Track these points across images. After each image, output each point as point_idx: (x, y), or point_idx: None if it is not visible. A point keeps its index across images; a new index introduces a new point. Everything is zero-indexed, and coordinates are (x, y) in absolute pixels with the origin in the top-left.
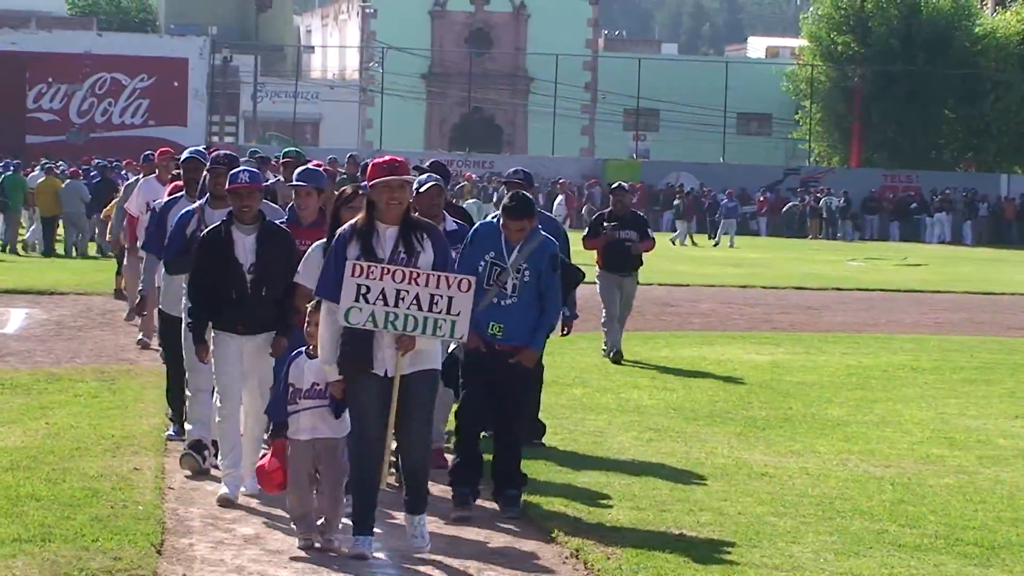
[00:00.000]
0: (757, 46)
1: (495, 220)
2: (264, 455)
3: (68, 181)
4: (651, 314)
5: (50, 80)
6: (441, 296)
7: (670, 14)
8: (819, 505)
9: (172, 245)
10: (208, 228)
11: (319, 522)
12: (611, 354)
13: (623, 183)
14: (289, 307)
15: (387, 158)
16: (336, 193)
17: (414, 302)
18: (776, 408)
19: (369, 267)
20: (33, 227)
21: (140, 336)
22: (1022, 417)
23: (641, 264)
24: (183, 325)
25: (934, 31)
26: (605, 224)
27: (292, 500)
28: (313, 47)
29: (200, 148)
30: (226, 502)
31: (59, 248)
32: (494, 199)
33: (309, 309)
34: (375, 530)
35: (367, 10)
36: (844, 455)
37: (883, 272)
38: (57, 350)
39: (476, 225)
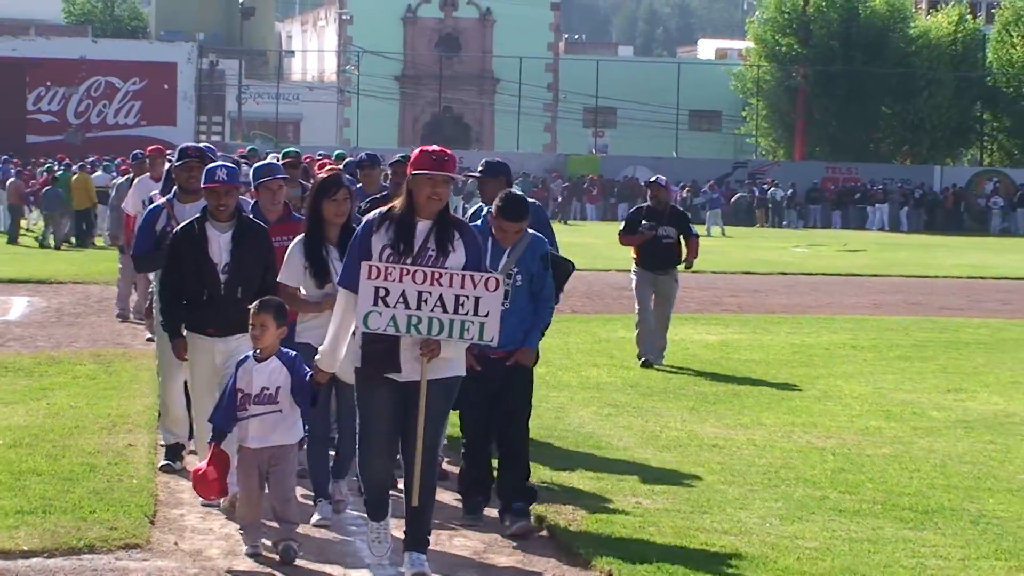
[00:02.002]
0: (707, 48)
1: (482, 222)
2: (202, 462)
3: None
4: (610, 298)
5: (48, 84)
6: (467, 297)
7: (626, 18)
8: (765, 474)
9: (141, 242)
10: (181, 224)
11: (275, 526)
12: (645, 360)
13: (660, 177)
14: None
15: (437, 148)
16: (315, 183)
17: (438, 304)
18: (725, 384)
19: (387, 268)
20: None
21: (148, 336)
22: (954, 391)
23: (679, 261)
24: (156, 323)
25: (871, 33)
26: (644, 223)
27: (241, 507)
28: (294, 51)
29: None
30: (207, 505)
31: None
32: (463, 191)
33: (252, 309)
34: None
35: (344, 16)
36: (788, 427)
37: (825, 258)
38: (57, 335)
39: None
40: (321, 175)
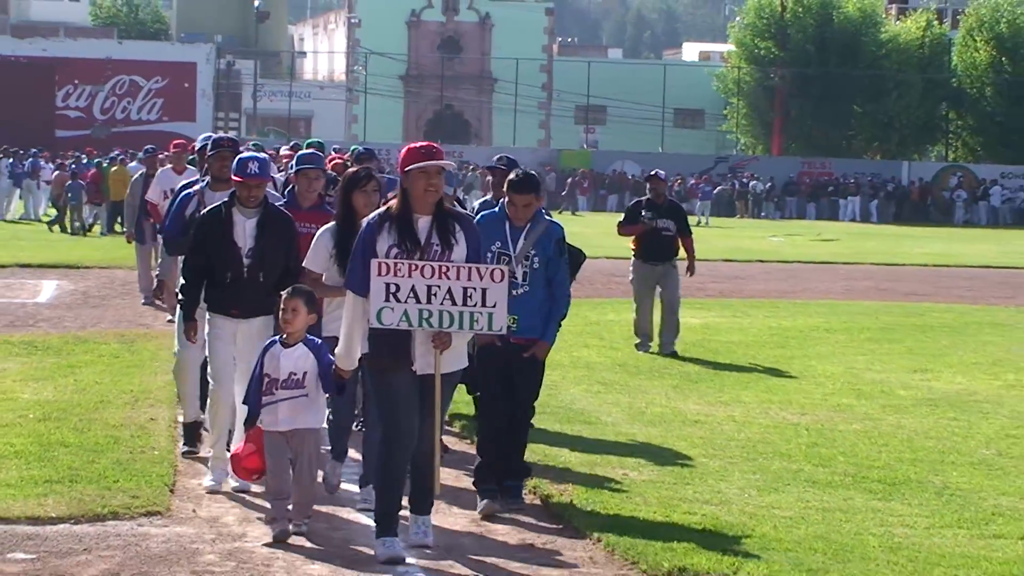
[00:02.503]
0: (691, 50)
1: (496, 208)
2: (240, 443)
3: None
4: (599, 283)
5: (76, 82)
6: (475, 289)
7: (615, 22)
8: (744, 448)
9: (172, 226)
10: (208, 208)
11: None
12: (653, 349)
13: (659, 171)
14: None
15: (424, 143)
16: (346, 176)
17: (447, 297)
18: (707, 364)
19: (396, 264)
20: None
21: (169, 318)
22: (920, 371)
23: (676, 254)
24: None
25: (844, 37)
26: (643, 212)
27: (271, 486)
28: (305, 53)
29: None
30: (214, 492)
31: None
32: (462, 183)
33: (283, 295)
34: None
35: (352, 20)
36: (765, 404)
37: (801, 246)
38: (83, 317)
39: (477, 215)
40: (351, 169)
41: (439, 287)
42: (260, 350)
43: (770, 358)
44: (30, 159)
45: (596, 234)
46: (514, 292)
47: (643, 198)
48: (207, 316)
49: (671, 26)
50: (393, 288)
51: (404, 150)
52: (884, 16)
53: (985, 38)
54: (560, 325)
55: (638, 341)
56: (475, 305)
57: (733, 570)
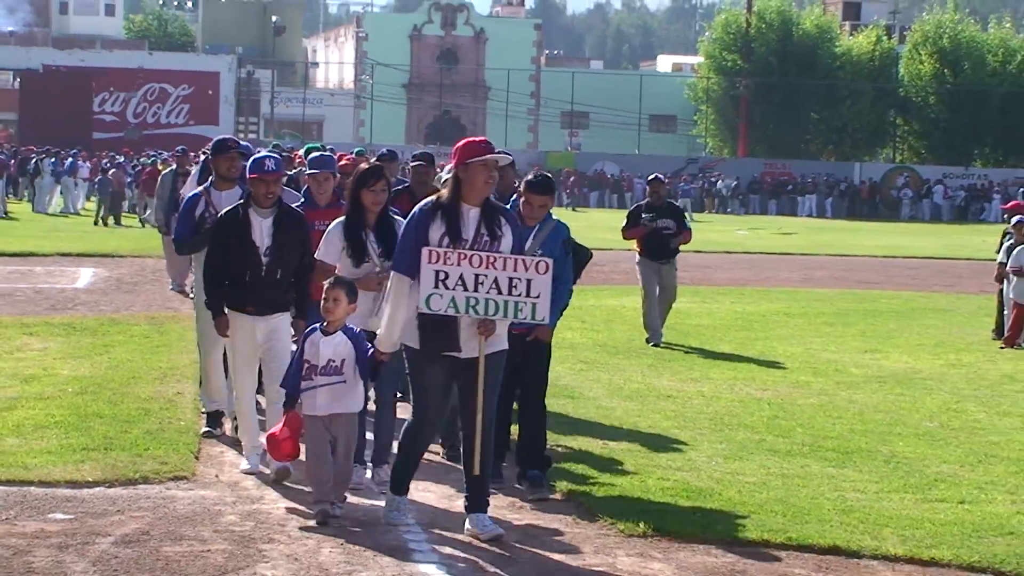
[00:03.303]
0: (665, 62)
1: (511, 206)
2: (277, 424)
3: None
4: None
5: (111, 89)
6: (520, 279)
7: (597, 37)
8: (712, 420)
9: (182, 227)
10: (226, 210)
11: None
12: (654, 343)
13: (660, 175)
14: (306, 289)
15: (480, 137)
16: (355, 173)
17: (493, 286)
18: (679, 345)
19: (446, 253)
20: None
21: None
22: (870, 351)
23: (677, 252)
24: (195, 302)
25: (803, 50)
26: (644, 215)
27: (312, 470)
28: (318, 63)
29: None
30: (249, 474)
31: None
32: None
33: (326, 285)
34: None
35: (360, 34)
36: (731, 381)
37: (763, 239)
38: (117, 301)
39: None
40: (363, 166)
41: (486, 276)
42: (278, 343)
43: (735, 340)
44: (69, 159)
45: (578, 227)
46: None
47: (643, 202)
48: (227, 312)
49: (647, 40)
50: (442, 275)
51: (461, 144)
52: (839, 31)
53: (929, 52)
54: (561, 314)
55: (648, 336)
56: (520, 295)
57: (702, 530)
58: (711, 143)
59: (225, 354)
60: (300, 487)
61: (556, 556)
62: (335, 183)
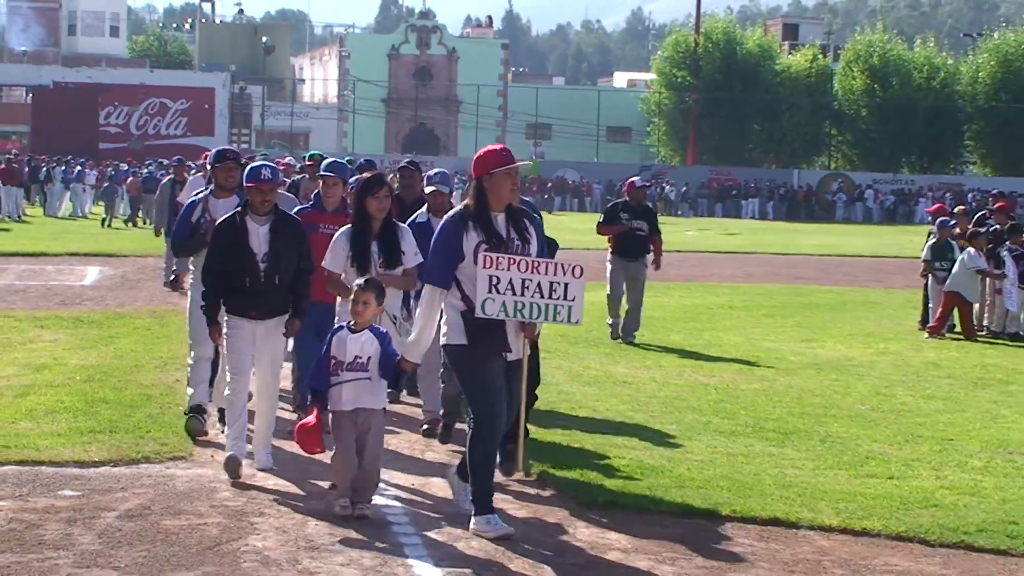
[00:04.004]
0: (621, 78)
1: None
2: (306, 419)
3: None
4: None
5: (116, 103)
6: (559, 283)
7: (559, 55)
8: (663, 404)
9: (179, 231)
10: (224, 217)
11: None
12: (620, 337)
13: (637, 179)
14: (302, 292)
15: (499, 145)
16: (360, 182)
17: (537, 290)
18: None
19: (498, 258)
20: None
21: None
22: (807, 341)
23: (648, 251)
24: (191, 301)
25: (746, 68)
26: (622, 214)
27: (338, 465)
28: (304, 79)
29: (337, 161)
30: (232, 461)
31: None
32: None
33: (356, 287)
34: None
35: (343, 53)
36: (681, 368)
37: (710, 239)
38: (120, 296)
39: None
40: (365, 175)
41: (531, 280)
42: (274, 346)
43: (684, 330)
44: (77, 167)
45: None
46: None
47: (621, 200)
48: (225, 318)
49: (604, 58)
50: (495, 280)
51: (483, 154)
52: (778, 50)
53: (861, 69)
54: None
55: (611, 321)
56: (558, 298)
57: (654, 503)
58: (663, 152)
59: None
60: (280, 471)
61: (520, 529)
62: (344, 191)
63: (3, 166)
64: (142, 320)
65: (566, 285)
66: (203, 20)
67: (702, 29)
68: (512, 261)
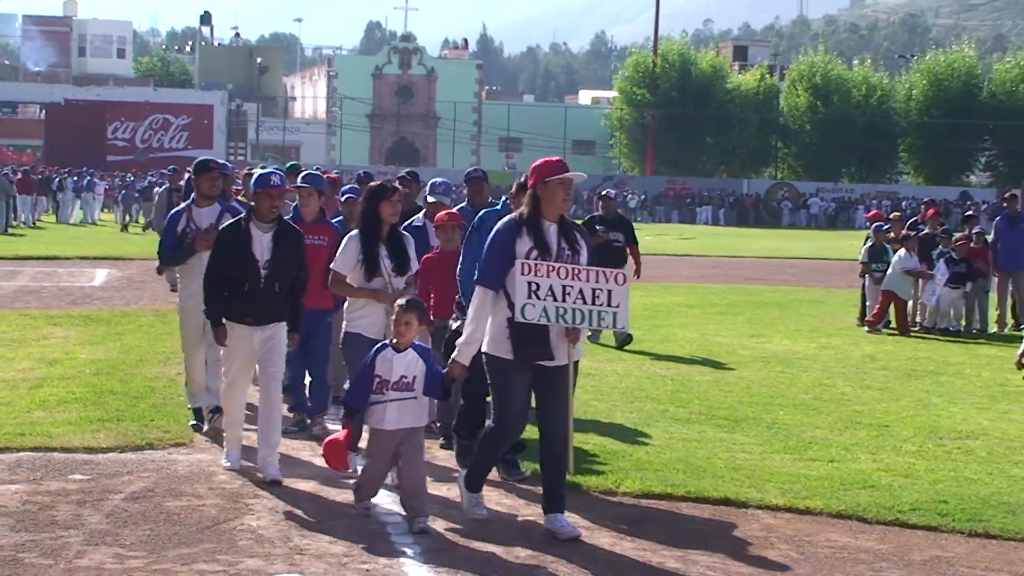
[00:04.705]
0: (586, 96)
1: (500, 207)
2: (336, 434)
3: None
4: None
5: (122, 119)
6: (601, 290)
7: (529, 75)
8: (624, 394)
9: (166, 242)
10: (228, 223)
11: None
12: (592, 338)
13: (609, 191)
14: (300, 302)
15: (555, 157)
16: (371, 188)
17: (579, 296)
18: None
19: (536, 265)
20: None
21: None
22: (756, 336)
23: (625, 262)
24: (179, 308)
25: (700, 86)
26: (597, 227)
27: (369, 479)
28: (295, 97)
29: (313, 173)
30: (230, 470)
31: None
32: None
33: (398, 308)
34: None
35: (331, 73)
36: (640, 361)
37: (667, 244)
38: (127, 296)
39: (482, 213)
40: (376, 182)
41: (572, 287)
42: (273, 352)
43: (643, 327)
44: (87, 178)
45: None
46: None
47: (596, 214)
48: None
49: (570, 77)
50: (534, 287)
51: (540, 163)
52: (729, 71)
53: (805, 87)
54: None
55: (589, 333)
56: (602, 304)
57: (616, 485)
58: (624, 163)
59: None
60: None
61: (493, 507)
62: (320, 200)
63: (19, 176)
64: (146, 318)
65: (609, 292)
66: (203, 43)
67: (660, 51)
68: (551, 268)
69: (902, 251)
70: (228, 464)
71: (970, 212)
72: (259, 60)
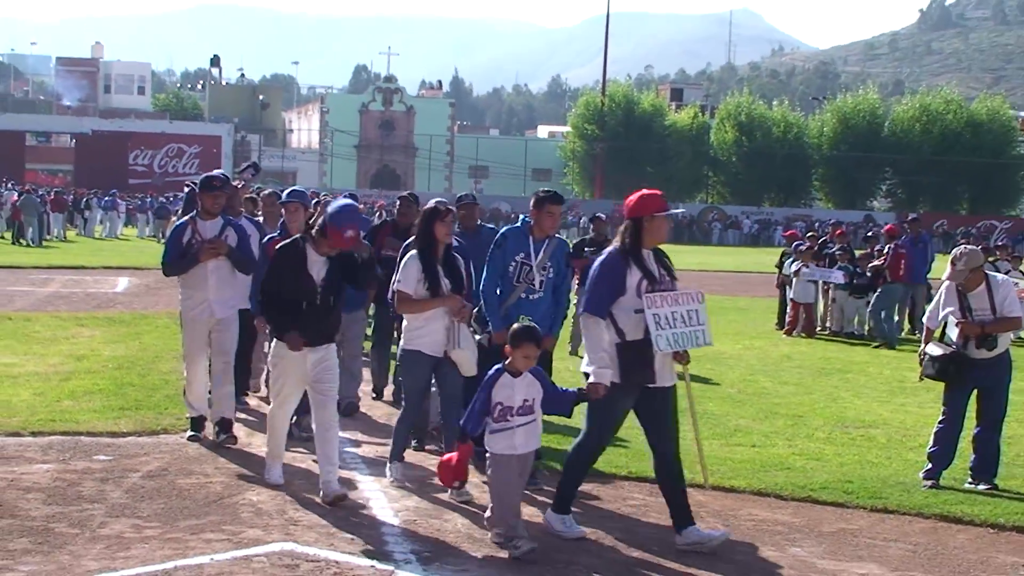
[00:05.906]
0: (543, 131)
1: (520, 224)
2: (450, 454)
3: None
4: None
5: (142, 148)
6: (692, 311)
7: (495, 111)
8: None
9: (170, 252)
10: (284, 242)
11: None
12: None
13: (600, 214)
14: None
15: (657, 191)
16: (427, 209)
17: (682, 320)
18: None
19: (659, 297)
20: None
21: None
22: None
23: None
24: (182, 317)
25: (642, 122)
26: (586, 249)
27: (500, 512)
28: (292, 129)
29: (297, 189)
30: (274, 487)
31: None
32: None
33: (526, 344)
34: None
35: (323, 109)
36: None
37: None
38: (145, 301)
39: (504, 231)
40: (432, 203)
41: (676, 312)
42: (329, 374)
43: None
44: (110, 197)
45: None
46: (531, 297)
47: (587, 236)
48: (274, 342)
49: (530, 114)
50: (657, 318)
51: (644, 197)
52: (667, 109)
53: (732, 124)
54: (562, 322)
55: (570, 348)
56: (694, 324)
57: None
58: (576, 189)
59: (210, 363)
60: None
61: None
62: (305, 215)
63: (52, 196)
64: (162, 320)
65: (696, 312)
66: (212, 82)
67: (607, 92)
68: (663, 298)
69: (804, 266)
70: (273, 480)
71: (870, 233)
72: (261, 97)
